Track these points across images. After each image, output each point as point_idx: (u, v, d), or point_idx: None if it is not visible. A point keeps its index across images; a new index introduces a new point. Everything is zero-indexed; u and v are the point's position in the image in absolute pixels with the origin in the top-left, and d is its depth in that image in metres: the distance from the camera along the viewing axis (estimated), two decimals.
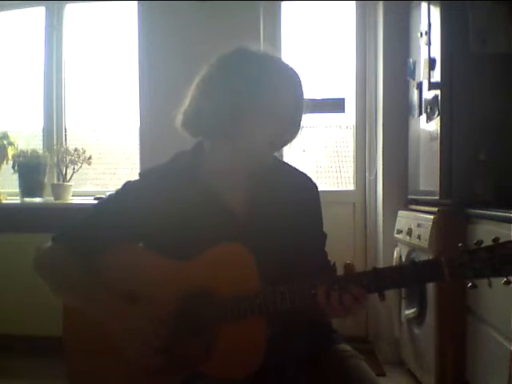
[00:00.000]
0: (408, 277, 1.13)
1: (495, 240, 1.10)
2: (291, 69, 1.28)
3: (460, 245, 1.11)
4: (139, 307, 1.19)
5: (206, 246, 1.20)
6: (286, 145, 1.28)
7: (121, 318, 1.18)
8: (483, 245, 1.10)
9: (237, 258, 1.19)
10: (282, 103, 1.23)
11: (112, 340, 1.19)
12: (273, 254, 1.20)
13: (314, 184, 1.39)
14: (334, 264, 1.33)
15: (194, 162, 1.32)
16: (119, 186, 1.35)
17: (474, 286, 1.10)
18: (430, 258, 2.31)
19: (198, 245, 1.20)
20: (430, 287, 2.38)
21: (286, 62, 1.29)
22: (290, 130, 1.26)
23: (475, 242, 1.10)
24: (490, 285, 1.08)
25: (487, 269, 1.08)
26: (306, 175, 1.40)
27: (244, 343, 1.17)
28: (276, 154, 1.34)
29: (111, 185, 3.69)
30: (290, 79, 1.26)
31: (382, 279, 1.13)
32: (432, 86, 2.45)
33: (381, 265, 3.08)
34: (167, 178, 1.30)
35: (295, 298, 1.14)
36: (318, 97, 3.27)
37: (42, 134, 3.56)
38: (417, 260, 2.55)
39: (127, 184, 1.34)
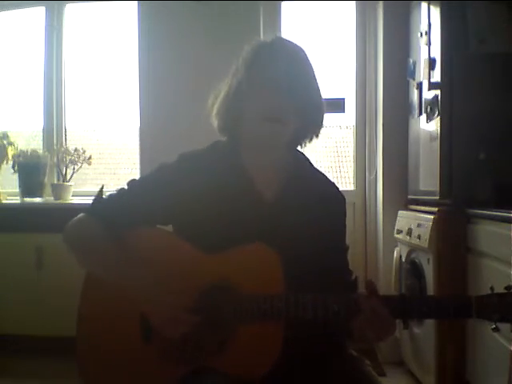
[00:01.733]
0: (435, 310, 1.14)
1: None
2: (286, 45, 1.30)
3: (491, 287, 1.11)
4: (165, 282, 1.19)
5: (232, 227, 1.21)
6: (281, 117, 1.25)
7: (149, 284, 1.18)
8: None
9: (264, 258, 1.19)
10: (268, 77, 1.24)
11: (129, 318, 1.19)
12: (295, 246, 1.21)
13: (342, 196, 1.40)
14: (356, 278, 1.33)
15: (231, 147, 1.34)
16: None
17: (497, 329, 1.11)
18: (431, 259, 2.34)
19: (224, 224, 1.22)
20: (430, 287, 2.38)
21: (286, 40, 1.32)
22: (280, 101, 1.24)
23: (505, 286, 1.11)
24: None
25: None
26: (335, 185, 1.41)
27: (258, 344, 1.17)
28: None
29: (111, 185, 3.69)
30: (278, 53, 1.27)
31: (408, 308, 1.13)
32: (432, 86, 2.45)
33: (381, 265, 3.08)
34: (204, 162, 1.31)
35: (317, 311, 1.14)
36: None
37: (42, 133, 3.56)
38: (417, 260, 2.56)
39: (163, 165, 1.34)
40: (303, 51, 1.33)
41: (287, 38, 1.34)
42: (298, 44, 1.35)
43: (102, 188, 1.34)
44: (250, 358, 1.17)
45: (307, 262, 1.21)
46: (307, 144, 1.37)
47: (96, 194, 1.33)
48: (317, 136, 1.36)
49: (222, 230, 1.22)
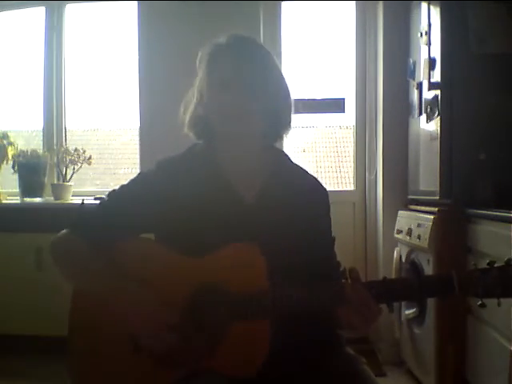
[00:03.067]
0: (418, 290, 1.14)
1: (508, 261, 1.10)
2: (243, 43, 1.30)
3: (473, 263, 1.12)
4: (150, 293, 1.19)
5: (213, 230, 1.21)
6: (235, 108, 1.25)
7: (132, 300, 1.18)
8: (496, 265, 1.10)
9: (248, 256, 1.19)
10: (225, 76, 1.26)
11: (121, 326, 1.19)
12: (278, 245, 1.21)
13: (324, 188, 1.40)
14: (344, 269, 1.33)
15: (208, 150, 1.34)
16: (132, 177, 1.34)
17: (483, 305, 1.11)
18: (431, 259, 2.34)
19: (206, 227, 1.22)
20: None
21: (243, 38, 1.32)
22: (238, 98, 1.25)
23: (488, 261, 1.11)
24: (499, 304, 1.09)
25: (498, 288, 1.08)
26: (315, 179, 1.41)
27: (248, 342, 1.17)
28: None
29: (111, 185, 3.69)
30: (233, 51, 1.28)
31: (391, 290, 1.14)
32: (432, 86, 2.45)
33: (381, 265, 3.08)
34: (181, 165, 1.32)
35: (303, 302, 1.15)
36: (318, 97, 3.28)
37: (42, 133, 3.56)
38: (417, 260, 2.56)
39: (141, 174, 1.35)
40: (258, 43, 1.34)
41: (245, 36, 1.34)
42: (257, 41, 1.36)
43: (83, 202, 1.35)
44: (242, 357, 1.17)
45: (292, 258, 1.22)
46: (280, 141, 1.37)
47: (78, 208, 1.34)
48: (287, 133, 1.36)
49: (204, 235, 1.22)
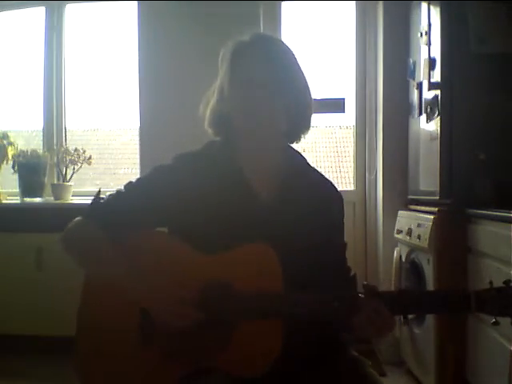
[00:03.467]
0: (435, 305, 1.15)
1: None
2: (266, 42, 1.30)
3: (490, 281, 1.12)
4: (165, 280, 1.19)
5: (228, 229, 1.21)
6: (258, 106, 1.25)
7: (148, 282, 1.18)
8: None
9: (262, 256, 1.19)
10: (248, 74, 1.24)
11: (129, 320, 1.20)
12: (292, 246, 1.20)
13: (339, 194, 1.41)
14: (355, 274, 1.33)
15: (227, 147, 1.33)
16: (119, 186, 1.34)
17: (497, 323, 1.11)
18: (431, 259, 2.34)
19: (221, 225, 1.22)
20: (431, 287, 2.38)
21: (266, 36, 1.33)
22: (255, 92, 1.24)
23: (504, 280, 1.11)
24: None
25: None
26: (332, 183, 1.41)
27: (258, 343, 1.17)
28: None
29: (111, 185, 3.69)
30: (257, 50, 1.27)
31: (408, 304, 1.14)
32: (432, 86, 2.45)
33: (381, 265, 3.08)
34: (198, 162, 1.31)
35: (316, 309, 1.15)
36: (318, 97, 3.28)
37: (42, 133, 3.56)
38: (417, 260, 2.56)
39: (159, 166, 1.34)
40: (285, 47, 1.32)
41: (268, 34, 1.35)
42: (281, 40, 1.34)
43: (100, 191, 1.34)
44: (251, 357, 1.17)
45: (306, 260, 1.21)
46: (298, 142, 1.37)
47: (93, 196, 1.33)
48: (305, 134, 1.35)
49: (220, 233, 1.21)
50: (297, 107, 1.29)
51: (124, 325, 1.22)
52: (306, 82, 1.33)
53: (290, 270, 1.17)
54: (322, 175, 1.41)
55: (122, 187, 1.33)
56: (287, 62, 1.29)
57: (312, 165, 1.41)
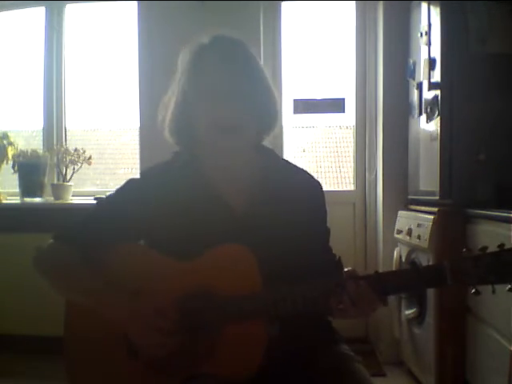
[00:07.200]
0: (410, 282, 1.14)
1: (500, 246, 1.07)
2: (226, 45, 1.25)
3: (464, 250, 1.09)
4: (143, 301, 1.18)
5: (204, 242, 1.20)
6: (236, 124, 1.22)
7: (125, 309, 1.17)
8: (488, 250, 1.08)
9: (239, 258, 1.18)
10: (212, 83, 1.21)
11: (115, 332, 1.18)
12: (272, 251, 1.20)
13: (317, 181, 1.39)
14: (340, 258, 1.33)
15: (193, 159, 1.32)
16: (119, 186, 1.35)
17: (477, 293, 1.09)
18: (431, 259, 2.34)
19: (196, 240, 1.21)
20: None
21: (225, 38, 1.26)
22: (230, 107, 1.21)
23: (480, 247, 1.08)
24: (493, 291, 1.07)
25: (491, 275, 1.06)
26: (307, 173, 1.40)
27: (244, 344, 1.16)
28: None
29: (111, 185, 3.69)
30: (218, 55, 1.23)
31: (384, 283, 1.14)
32: (432, 85, 2.45)
33: (381, 265, 3.08)
34: (168, 175, 1.30)
35: (297, 300, 1.14)
36: (318, 97, 3.28)
37: (41, 133, 3.56)
38: (417, 261, 2.56)
39: (128, 182, 1.34)
40: (245, 47, 1.27)
41: (226, 35, 1.28)
42: (238, 40, 1.28)
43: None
44: (238, 359, 1.16)
45: (285, 261, 1.21)
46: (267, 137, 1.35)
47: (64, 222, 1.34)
48: (275, 128, 1.34)
49: (193, 246, 1.20)
50: (265, 108, 1.28)
51: (110, 339, 1.22)
52: (268, 80, 1.30)
53: (270, 268, 1.16)
54: (296, 167, 1.40)
55: (96, 204, 1.33)
56: (250, 64, 1.26)
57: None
